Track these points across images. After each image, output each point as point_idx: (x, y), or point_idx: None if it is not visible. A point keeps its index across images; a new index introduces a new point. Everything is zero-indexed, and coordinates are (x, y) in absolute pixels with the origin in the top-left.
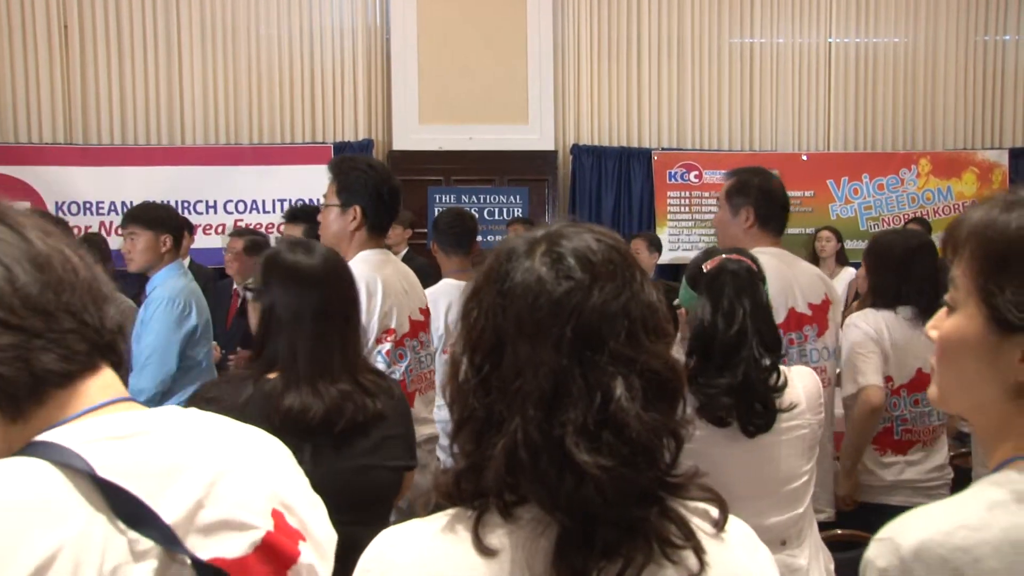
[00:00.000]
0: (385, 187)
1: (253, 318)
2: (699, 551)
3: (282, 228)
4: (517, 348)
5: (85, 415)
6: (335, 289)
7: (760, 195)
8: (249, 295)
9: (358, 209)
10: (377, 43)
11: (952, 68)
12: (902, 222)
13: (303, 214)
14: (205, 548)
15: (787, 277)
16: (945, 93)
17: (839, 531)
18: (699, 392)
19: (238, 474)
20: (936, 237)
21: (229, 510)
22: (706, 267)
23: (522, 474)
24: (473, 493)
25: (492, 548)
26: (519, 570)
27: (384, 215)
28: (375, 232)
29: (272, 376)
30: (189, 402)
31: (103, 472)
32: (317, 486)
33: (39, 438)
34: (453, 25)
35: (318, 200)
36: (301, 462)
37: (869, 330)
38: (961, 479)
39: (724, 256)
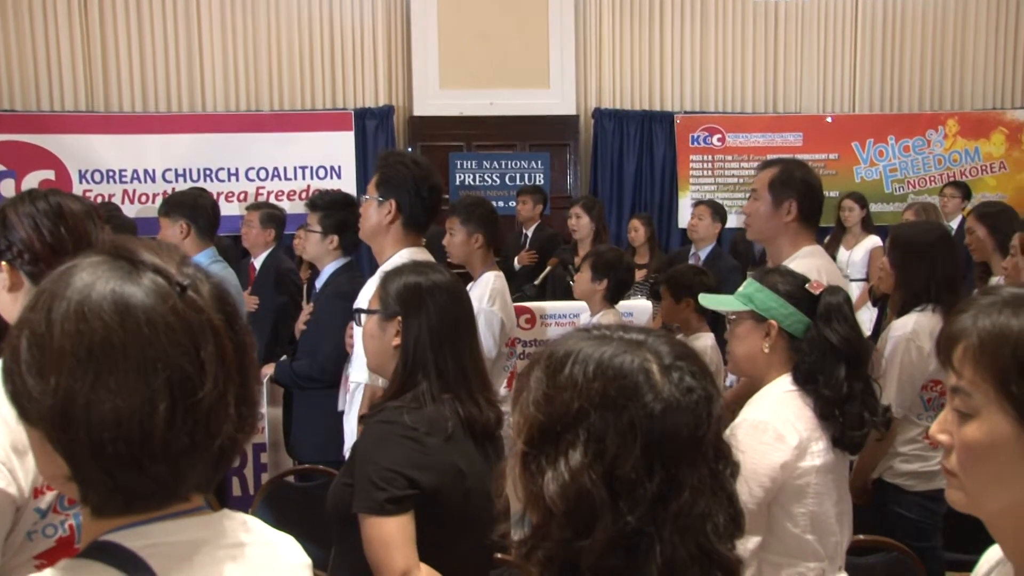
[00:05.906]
0: (425, 184)
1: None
2: None
3: (303, 194)
4: (669, 467)
5: (159, 521)
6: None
7: (806, 188)
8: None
9: (394, 203)
10: (397, 8)
11: (982, 25)
12: (928, 184)
13: (322, 202)
14: None
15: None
16: (975, 51)
17: (861, 536)
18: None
19: None
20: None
21: None
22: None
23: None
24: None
25: None
26: None
27: (422, 212)
28: (412, 228)
29: (447, 396)
30: (396, 433)
31: None
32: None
33: (109, 537)
34: None
35: (339, 167)
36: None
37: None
38: None
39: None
